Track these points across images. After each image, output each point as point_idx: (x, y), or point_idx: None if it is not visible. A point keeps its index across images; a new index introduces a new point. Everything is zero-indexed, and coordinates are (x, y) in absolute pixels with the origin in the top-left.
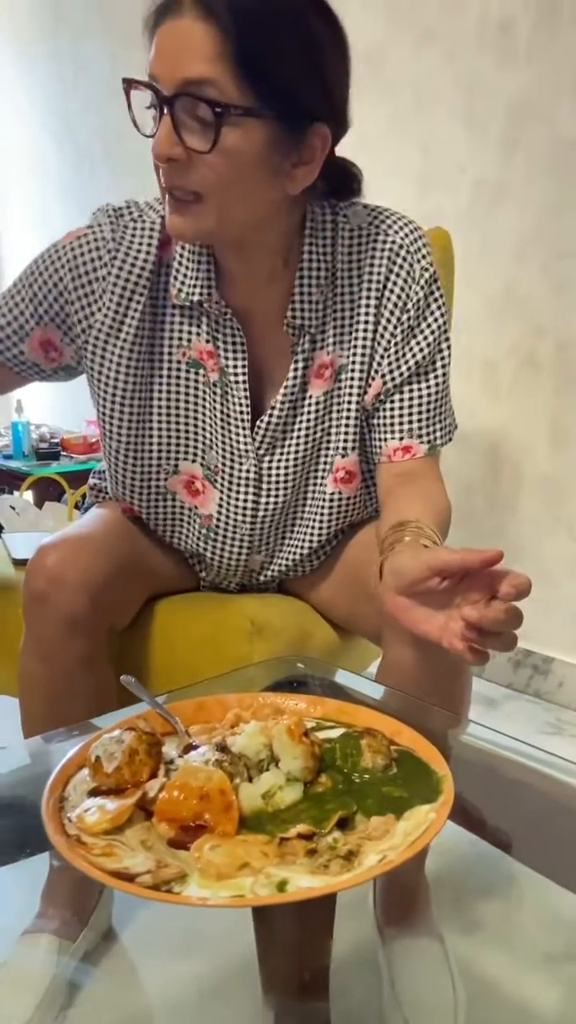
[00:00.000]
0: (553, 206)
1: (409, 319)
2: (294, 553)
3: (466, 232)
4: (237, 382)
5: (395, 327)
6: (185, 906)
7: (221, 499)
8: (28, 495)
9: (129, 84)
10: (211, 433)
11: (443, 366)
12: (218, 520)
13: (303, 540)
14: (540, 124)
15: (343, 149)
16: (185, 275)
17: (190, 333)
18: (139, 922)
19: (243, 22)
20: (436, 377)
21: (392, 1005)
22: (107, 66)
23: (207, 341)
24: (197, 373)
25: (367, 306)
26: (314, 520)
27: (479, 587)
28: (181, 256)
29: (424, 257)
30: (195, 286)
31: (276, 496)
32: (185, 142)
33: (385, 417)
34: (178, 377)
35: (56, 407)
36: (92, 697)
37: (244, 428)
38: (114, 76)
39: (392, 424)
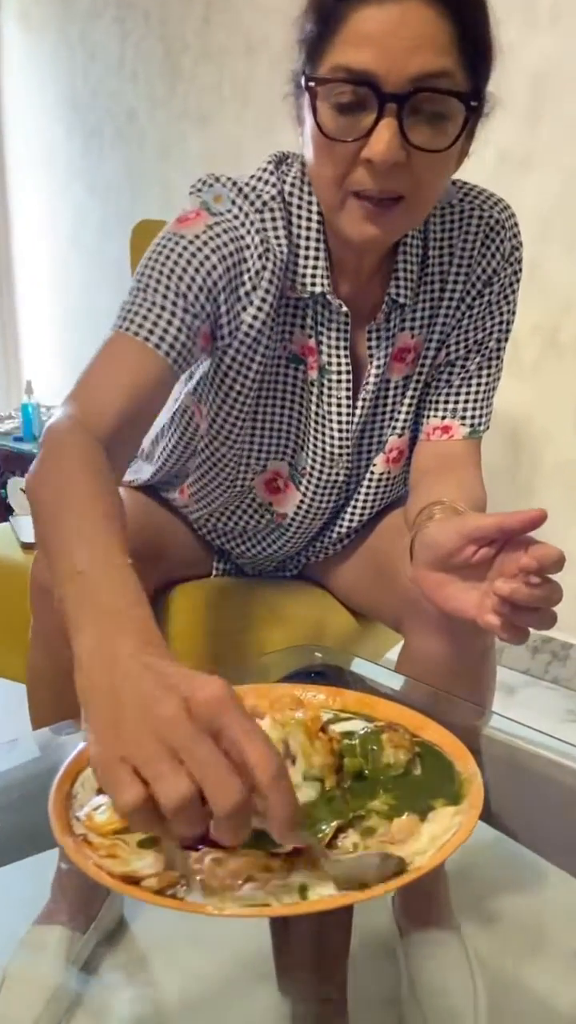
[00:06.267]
0: None
1: (491, 294)
2: (332, 534)
3: None
4: (340, 381)
5: (474, 300)
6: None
7: (302, 501)
8: None
9: (319, 82)
10: (304, 434)
11: (500, 355)
12: (292, 519)
13: (345, 521)
14: (564, 94)
15: None
16: (307, 266)
17: (293, 326)
18: (151, 913)
19: (464, 3)
20: (493, 361)
21: (411, 997)
22: (116, 51)
23: (309, 336)
24: (296, 369)
25: (455, 283)
26: (358, 500)
27: (517, 558)
28: (305, 246)
29: (516, 236)
30: (315, 278)
31: (348, 492)
32: (412, 142)
33: (433, 392)
34: (276, 372)
35: (66, 389)
36: None
37: (343, 430)
38: (123, 60)
39: (438, 400)
